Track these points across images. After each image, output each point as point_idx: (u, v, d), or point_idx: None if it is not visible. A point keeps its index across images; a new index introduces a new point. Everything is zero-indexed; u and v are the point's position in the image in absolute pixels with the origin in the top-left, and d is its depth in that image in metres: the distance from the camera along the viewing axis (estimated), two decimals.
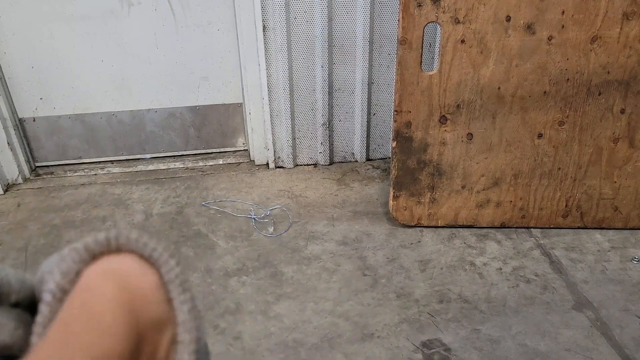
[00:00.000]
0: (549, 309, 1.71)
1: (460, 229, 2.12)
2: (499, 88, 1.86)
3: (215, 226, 2.18)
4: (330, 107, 2.54)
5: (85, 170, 2.68)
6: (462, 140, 1.96)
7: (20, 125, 2.58)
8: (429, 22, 1.78)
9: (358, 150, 2.66)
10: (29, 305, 0.35)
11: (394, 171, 2.04)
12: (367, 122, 2.59)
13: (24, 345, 0.33)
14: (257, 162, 2.67)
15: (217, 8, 2.44)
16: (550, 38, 1.78)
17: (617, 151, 1.95)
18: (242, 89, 2.57)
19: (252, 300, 1.78)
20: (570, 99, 1.87)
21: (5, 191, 2.50)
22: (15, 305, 0.34)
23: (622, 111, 1.89)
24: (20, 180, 2.57)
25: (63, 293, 0.30)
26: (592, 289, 1.79)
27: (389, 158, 2.66)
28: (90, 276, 0.31)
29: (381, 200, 2.34)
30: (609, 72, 1.83)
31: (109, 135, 2.67)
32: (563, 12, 1.74)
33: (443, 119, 1.93)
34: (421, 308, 1.73)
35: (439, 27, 1.84)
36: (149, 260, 0.34)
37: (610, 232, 2.08)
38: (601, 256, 1.95)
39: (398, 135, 1.97)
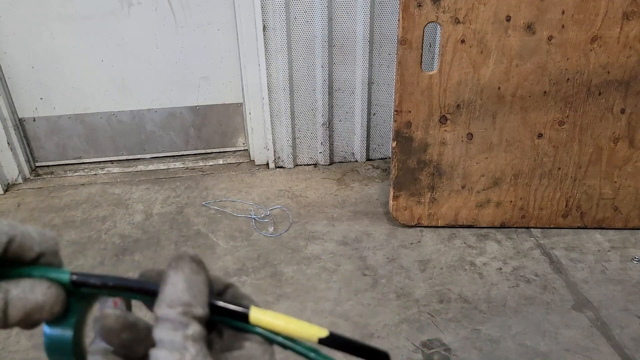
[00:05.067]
0: (549, 309, 1.71)
1: (460, 229, 2.12)
2: (499, 88, 1.86)
3: (215, 226, 2.18)
4: (330, 107, 2.54)
5: (85, 170, 2.68)
6: (462, 140, 1.96)
7: (20, 125, 2.58)
8: (429, 22, 1.78)
9: (358, 150, 2.66)
10: (52, 256, 0.36)
11: (394, 171, 2.04)
12: (367, 122, 2.59)
13: (55, 305, 0.34)
14: (257, 162, 2.67)
15: (217, 8, 2.44)
16: (550, 38, 1.78)
17: (617, 151, 1.95)
18: (242, 89, 2.57)
19: None
20: (570, 99, 1.87)
21: (5, 191, 2.50)
22: (39, 257, 0.35)
23: (622, 111, 1.89)
24: (20, 180, 2.57)
25: None
26: (592, 289, 1.79)
27: (389, 158, 2.66)
28: None
29: (381, 200, 2.34)
30: (609, 72, 1.83)
31: (109, 135, 2.67)
32: (563, 12, 1.74)
33: (443, 119, 1.93)
34: (421, 308, 1.73)
35: (439, 27, 1.84)
36: None
37: (610, 232, 2.08)
38: (601, 256, 1.95)
39: (398, 135, 1.97)
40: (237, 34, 2.44)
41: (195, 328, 0.32)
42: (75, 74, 2.51)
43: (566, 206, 2.05)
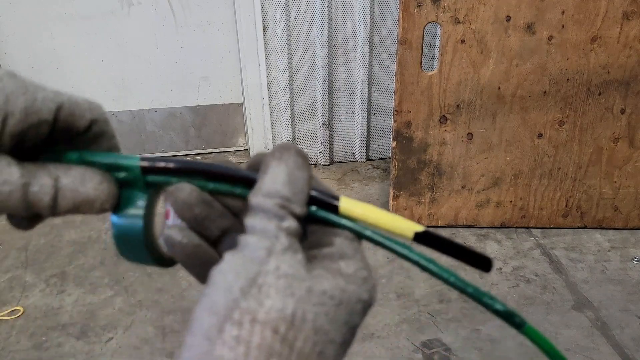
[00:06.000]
0: (549, 309, 1.71)
1: (460, 229, 2.12)
2: (499, 88, 1.86)
3: None
4: (330, 107, 2.54)
5: None
6: (462, 140, 1.96)
7: None
8: (429, 22, 1.78)
9: (358, 150, 2.66)
10: (104, 125, 0.33)
11: (394, 171, 2.04)
12: (367, 122, 2.59)
13: (106, 201, 0.32)
14: None
15: (217, 8, 2.44)
16: (550, 38, 1.78)
17: (617, 151, 1.95)
18: (242, 89, 2.57)
19: None
20: (570, 99, 1.87)
21: None
22: (92, 125, 0.32)
23: (622, 111, 1.89)
24: None
25: None
26: (592, 289, 1.79)
27: (389, 158, 2.66)
28: None
29: (381, 200, 2.34)
30: (609, 72, 1.83)
31: None
32: (563, 12, 1.74)
33: (443, 119, 1.93)
34: (421, 308, 1.73)
35: (439, 27, 1.84)
36: None
37: (610, 232, 2.08)
38: (601, 256, 1.95)
39: (398, 135, 1.97)
40: (237, 34, 2.44)
41: (291, 222, 0.29)
42: (75, 74, 2.51)
43: (566, 206, 2.05)
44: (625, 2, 1.72)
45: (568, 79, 1.84)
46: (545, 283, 1.82)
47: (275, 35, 2.32)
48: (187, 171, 0.32)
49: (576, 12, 1.74)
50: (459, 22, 1.77)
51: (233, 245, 0.32)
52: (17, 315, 1.72)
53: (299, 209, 0.30)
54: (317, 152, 2.63)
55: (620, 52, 1.79)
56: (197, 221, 0.32)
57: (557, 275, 1.86)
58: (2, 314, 1.73)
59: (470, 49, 1.81)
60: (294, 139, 2.58)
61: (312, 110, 2.54)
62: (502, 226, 2.11)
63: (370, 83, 2.51)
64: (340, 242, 0.32)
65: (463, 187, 2.04)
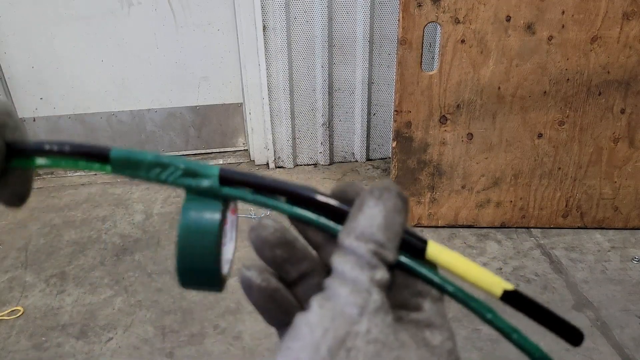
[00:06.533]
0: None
1: (461, 229, 2.12)
2: (499, 88, 1.86)
3: None
4: (330, 107, 2.54)
5: (85, 170, 2.67)
6: (462, 140, 1.96)
7: None
8: (429, 22, 1.78)
9: (358, 150, 2.66)
10: (4, 122, 0.31)
11: (394, 171, 2.04)
12: (367, 122, 2.59)
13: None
14: (257, 162, 2.67)
15: (217, 8, 2.44)
16: (550, 38, 1.78)
17: (617, 151, 1.95)
18: (242, 89, 2.57)
19: None
20: (570, 99, 1.87)
21: None
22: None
23: (622, 111, 1.89)
24: None
25: None
26: (592, 289, 1.79)
27: (389, 158, 2.66)
28: None
29: None
30: (609, 72, 1.83)
31: (109, 135, 2.67)
32: (563, 12, 1.74)
33: (443, 119, 1.93)
34: None
35: (439, 27, 1.84)
36: None
37: (610, 232, 2.08)
38: (601, 256, 1.95)
39: (398, 135, 1.97)
40: (237, 34, 2.44)
41: (383, 274, 0.27)
42: (75, 74, 2.51)
43: (566, 206, 2.05)
44: (625, 2, 1.72)
45: (568, 79, 1.84)
46: (546, 283, 1.82)
47: (275, 35, 2.33)
48: (267, 188, 0.31)
49: (576, 12, 1.74)
50: (459, 22, 1.77)
51: (313, 287, 0.30)
52: (17, 315, 1.72)
53: (392, 257, 0.28)
54: (317, 152, 2.63)
55: (620, 52, 1.79)
56: (277, 263, 0.31)
57: (557, 275, 1.86)
58: (2, 314, 1.73)
59: (470, 49, 1.81)
60: (294, 139, 2.58)
61: (312, 110, 2.54)
62: (502, 226, 2.11)
63: (370, 83, 2.51)
64: (429, 307, 0.30)
65: (463, 187, 2.04)
